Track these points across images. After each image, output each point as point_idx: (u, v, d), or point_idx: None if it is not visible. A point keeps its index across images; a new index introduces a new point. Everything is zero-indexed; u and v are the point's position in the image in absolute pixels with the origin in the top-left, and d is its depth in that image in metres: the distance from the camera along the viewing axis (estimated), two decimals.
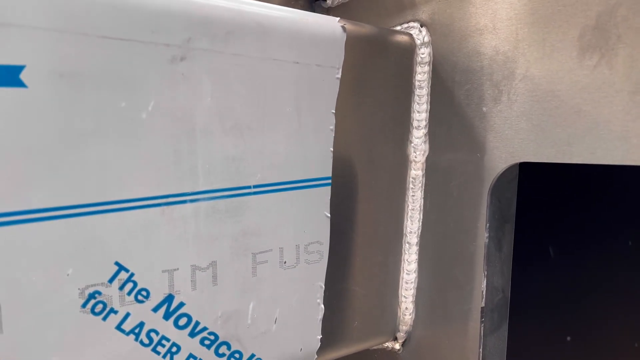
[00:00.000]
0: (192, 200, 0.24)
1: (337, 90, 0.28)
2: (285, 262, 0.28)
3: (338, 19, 0.29)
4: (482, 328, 0.31)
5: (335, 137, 0.29)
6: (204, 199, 0.24)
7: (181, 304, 0.24)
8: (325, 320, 0.30)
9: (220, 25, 0.24)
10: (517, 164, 0.29)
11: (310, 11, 0.40)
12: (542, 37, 0.27)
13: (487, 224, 0.30)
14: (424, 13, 0.33)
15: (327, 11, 0.39)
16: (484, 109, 0.30)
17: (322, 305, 0.30)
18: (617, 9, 0.24)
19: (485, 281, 0.31)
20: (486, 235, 0.30)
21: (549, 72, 0.27)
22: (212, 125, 0.24)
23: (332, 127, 0.29)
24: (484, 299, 0.31)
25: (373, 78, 0.31)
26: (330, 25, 0.28)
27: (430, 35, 0.32)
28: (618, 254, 0.41)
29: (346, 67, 0.29)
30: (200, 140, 0.24)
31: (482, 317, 0.31)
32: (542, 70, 0.27)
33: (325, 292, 0.30)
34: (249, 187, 0.26)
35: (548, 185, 0.39)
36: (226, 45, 0.24)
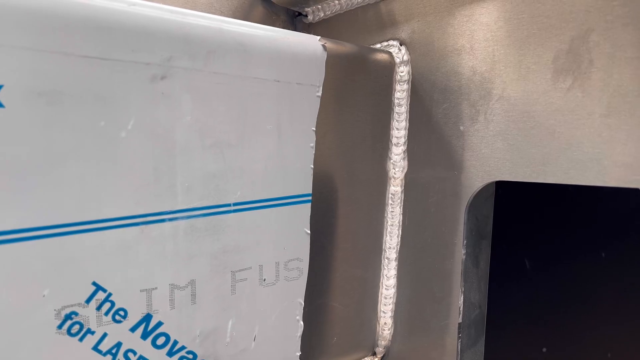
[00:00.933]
0: (171, 219, 0.24)
1: (318, 108, 0.29)
2: (264, 280, 0.28)
3: (319, 37, 0.29)
4: (460, 343, 0.31)
5: (315, 153, 0.29)
6: (183, 218, 0.24)
7: (159, 324, 0.24)
8: (305, 336, 0.30)
9: (201, 44, 0.24)
10: (493, 182, 0.30)
11: (292, 27, 0.40)
12: (517, 59, 0.27)
13: (465, 241, 0.31)
14: (403, 32, 0.33)
15: (308, 27, 0.40)
16: (462, 127, 0.30)
17: (302, 322, 0.30)
18: (589, 35, 0.25)
19: (462, 297, 0.31)
20: (463, 251, 0.31)
21: (525, 93, 0.27)
22: (192, 143, 0.24)
23: (313, 144, 0.29)
24: (461, 315, 0.31)
25: (353, 96, 0.31)
26: (311, 44, 0.28)
27: (410, 54, 0.33)
28: (591, 267, 0.42)
29: (327, 85, 0.29)
30: (180, 159, 0.24)
31: (459, 333, 0.31)
32: (518, 91, 0.27)
33: (304, 308, 0.30)
34: (229, 205, 0.26)
35: (524, 203, 0.40)
36: (207, 63, 0.24)
